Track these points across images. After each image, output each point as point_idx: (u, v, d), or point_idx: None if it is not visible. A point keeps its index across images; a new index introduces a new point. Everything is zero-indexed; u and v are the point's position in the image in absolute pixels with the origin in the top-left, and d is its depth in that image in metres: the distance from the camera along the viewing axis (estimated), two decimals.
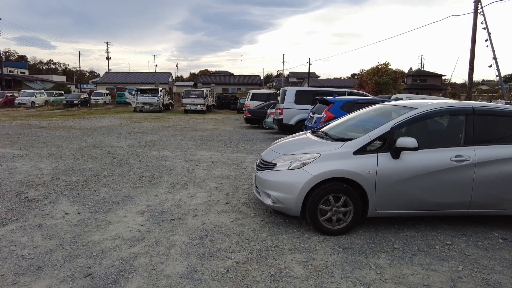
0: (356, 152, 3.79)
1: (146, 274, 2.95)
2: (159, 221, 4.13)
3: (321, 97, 9.27)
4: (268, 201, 3.97)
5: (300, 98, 11.56)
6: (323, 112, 8.40)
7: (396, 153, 3.78)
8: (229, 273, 2.98)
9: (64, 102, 33.52)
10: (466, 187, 3.88)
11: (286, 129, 11.96)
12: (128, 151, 8.81)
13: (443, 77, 60.20)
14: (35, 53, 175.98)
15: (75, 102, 33.35)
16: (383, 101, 8.89)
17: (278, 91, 13.46)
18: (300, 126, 11.52)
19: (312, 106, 11.39)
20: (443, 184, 3.85)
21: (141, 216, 4.30)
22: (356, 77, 76.87)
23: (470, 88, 19.42)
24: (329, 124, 5.32)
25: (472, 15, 18.74)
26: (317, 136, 4.60)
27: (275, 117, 12.36)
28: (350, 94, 11.61)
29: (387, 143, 3.83)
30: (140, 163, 7.37)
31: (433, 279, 3.01)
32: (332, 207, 3.79)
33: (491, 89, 56.28)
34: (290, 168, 3.88)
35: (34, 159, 7.56)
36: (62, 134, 12.35)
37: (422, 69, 67.11)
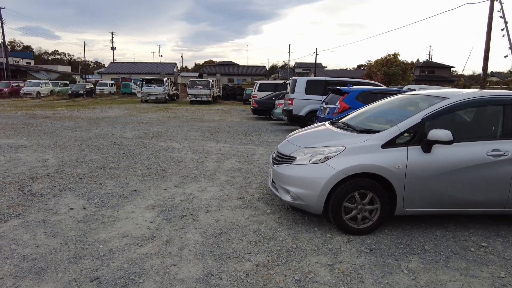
0: (385, 145, 3.48)
1: (158, 278, 2.69)
2: (170, 218, 3.86)
3: (335, 87, 8.91)
4: (287, 198, 3.68)
5: (311, 88, 11.18)
6: (337, 103, 8.05)
7: (427, 146, 3.46)
8: (249, 278, 2.71)
9: (70, 92, 33.36)
10: (503, 184, 3.55)
11: (296, 120, 11.62)
12: (134, 142, 8.56)
13: (451, 69, 59.05)
14: (40, 43, 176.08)
15: (80, 92, 33.17)
16: (399, 91, 8.51)
17: (287, 81, 13.08)
18: (310, 117, 11.16)
19: (323, 96, 11.02)
20: (478, 180, 3.53)
21: (150, 211, 4.04)
22: (362, 68, 75.68)
23: (484, 79, 18.84)
24: (348, 114, 4.99)
25: (488, 3, 18.09)
26: (338, 127, 4.28)
27: (285, 108, 12.01)
28: (363, 84, 11.21)
29: (417, 136, 3.51)
30: (148, 154, 7.11)
31: (475, 286, 2.72)
32: (357, 205, 3.49)
33: (502, 80, 55.13)
34: (311, 162, 3.58)
35: (38, 150, 7.33)
36: (67, 124, 12.13)
37: (430, 60, 65.83)
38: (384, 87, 10.23)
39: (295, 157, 3.74)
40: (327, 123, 4.79)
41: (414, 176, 3.45)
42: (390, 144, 3.49)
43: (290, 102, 11.40)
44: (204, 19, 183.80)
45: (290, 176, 3.65)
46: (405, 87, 15.73)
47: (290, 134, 4.76)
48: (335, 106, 8.09)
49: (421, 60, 64.84)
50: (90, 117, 14.94)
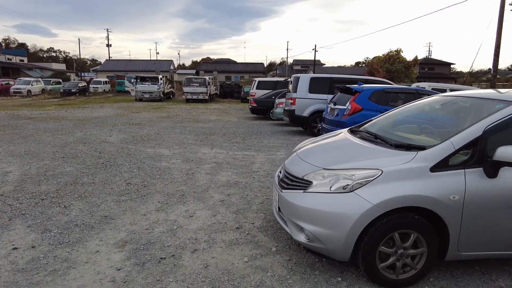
0: (435, 168, 2.54)
1: None
2: (144, 262, 2.91)
3: (343, 85, 7.96)
4: (300, 237, 2.74)
5: (315, 86, 10.22)
6: (348, 103, 7.11)
7: (493, 169, 2.52)
8: None
9: (62, 90, 32.27)
10: None
11: (299, 122, 10.69)
12: (118, 148, 7.58)
13: (451, 65, 58.10)
14: (36, 41, 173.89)
15: (72, 90, 32.11)
16: (416, 91, 7.59)
17: (289, 79, 12.12)
18: (314, 118, 10.23)
19: (329, 95, 10.08)
20: None
21: (119, 251, 3.09)
22: (361, 65, 74.53)
23: (494, 76, 17.89)
24: (371, 120, 4.04)
25: None
26: (363, 138, 3.32)
27: (286, 108, 11.06)
28: (372, 82, 10.27)
29: (477, 154, 2.57)
30: (130, 164, 6.14)
31: None
32: (397, 249, 2.56)
33: (502, 77, 54.26)
34: (333, 190, 2.64)
35: (3, 159, 6.34)
36: (50, 126, 11.14)
37: (429, 57, 64.90)
38: (398, 86, 9.29)
39: (310, 182, 2.79)
40: (345, 131, 3.84)
41: (474, 210, 2.52)
42: (442, 166, 2.55)
43: (292, 101, 10.45)
44: (201, 16, 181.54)
45: (304, 209, 2.70)
46: (413, 85, 14.82)
47: (300, 145, 3.81)
48: (345, 107, 7.14)
49: (419, 57, 63.79)
50: (78, 118, 13.95)
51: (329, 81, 10.29)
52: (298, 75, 10.80)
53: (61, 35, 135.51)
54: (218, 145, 8.39)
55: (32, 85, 31.80)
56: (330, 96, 9.92)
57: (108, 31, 58.97)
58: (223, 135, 10.04)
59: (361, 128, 3.82)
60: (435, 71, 56.97)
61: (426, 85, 13.57)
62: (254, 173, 5.75)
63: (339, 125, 7.17)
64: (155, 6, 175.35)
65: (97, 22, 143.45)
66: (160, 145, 8.18)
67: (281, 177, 3.23)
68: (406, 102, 7.58)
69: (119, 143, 8.26)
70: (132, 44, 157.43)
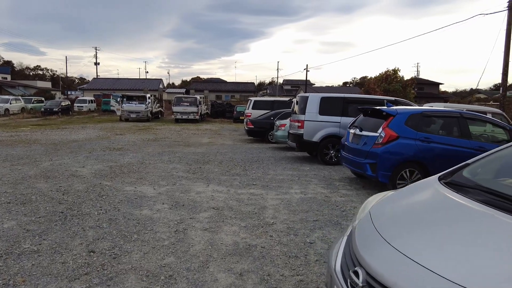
0: None
1: None
2: None
3: (368, 107, 6.58)
4: None
5: (327, 107, 8.84)
6: (381, 129, 5.69)
7: None
8: None
9: (42, 109, 30.39)
10: None
11: (307, 148, 9.25)
12: (89, 186, 5.96)
13: (440, 85, 58.57)
14: (24, 59, 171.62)
15: (54, 109, 30.28)
16: (460, 114, 6.24)
17: (294, 99, 10.77)
18: (326, 144, 8.79)
19: (342, 117, 8.73)
20: None
21: None
22: (348, 85, 74.71)
23: (504, 96, 16.96)
24: (467, 165, 2.58)
25: (504, 13, 16.43)
26: (490, 204, 1.82)
27: (292, 131, 9.62)
28: (389, 102, 8.97)
29: None
30: (99, 214, 4.52)
31: None
32: None
33: (489, 97, 54.49)
34: None
35: None
36: (15, 152, 9.43)
37: (417, 77, 65.47)
38: (435, 108, 7.99)
39: None
40: (436, 183, 2.35)
41: None
42: None
43: (299, 124, 9.02)
44: (191, 36, 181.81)
45: None
46: (425, 105, 13.66)
47: (371, 205, 2.31)
48: (377, 134, 5.72)
49: (407, 78, 64.20)
50: (52, 141, 12.27)
51: (342, 102, 8.94)
52: (306, 94, 9.43)
53: (50, 53, 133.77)
54: (215, 178, 6.84)
55: (10, 104, 29.94)
56: (344, 119, 8.59)
57: (96, 49, 57.53)
58: (220, 164, 8.51)
59: (463, 180, 2.35)
60: (425, 90, 57.20)
61: (442, 105, 12.39)
62: (269, 228, 4.20)
63: (369, 156, 5.74)
64: (146, 26, 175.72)
65: (87, 41, 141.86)
66: (143, 179, 6.58)
67: (360, 284, 1.69)
68: (448, 128, 6.28)
69: (92, 178, 6.63)
70: (122, 63, 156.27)
